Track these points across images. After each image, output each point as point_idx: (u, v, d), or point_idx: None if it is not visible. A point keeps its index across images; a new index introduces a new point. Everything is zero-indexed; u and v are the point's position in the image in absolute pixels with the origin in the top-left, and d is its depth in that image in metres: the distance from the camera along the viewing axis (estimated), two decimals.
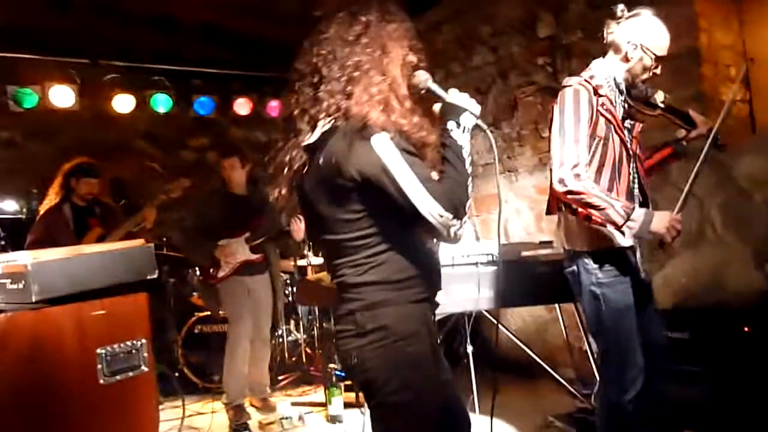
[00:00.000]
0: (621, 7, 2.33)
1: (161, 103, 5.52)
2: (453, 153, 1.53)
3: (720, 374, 2.82)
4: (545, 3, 4.22)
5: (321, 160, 1.48)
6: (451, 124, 1.55)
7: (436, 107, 1.62)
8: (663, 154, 2.59)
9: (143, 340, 1.98)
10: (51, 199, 3.78)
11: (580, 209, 2.25)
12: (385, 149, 1.42)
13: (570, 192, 2.19)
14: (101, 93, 5.40)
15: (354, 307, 1.52)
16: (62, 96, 5.11)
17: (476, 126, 1.59)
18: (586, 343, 3.36)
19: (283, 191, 1.57)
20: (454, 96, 1.59)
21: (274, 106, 5.94)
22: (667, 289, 3.60)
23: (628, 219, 2.14)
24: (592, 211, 2.18)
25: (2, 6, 4.93)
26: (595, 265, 2.31)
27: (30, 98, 5.01)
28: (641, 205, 2.37)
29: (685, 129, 2.52)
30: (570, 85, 2.29)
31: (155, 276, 2.00)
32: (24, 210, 4.83)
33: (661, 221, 2.15)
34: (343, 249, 1.53)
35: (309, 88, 1.53)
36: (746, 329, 2.84)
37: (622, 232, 2.22)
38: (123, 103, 5.40)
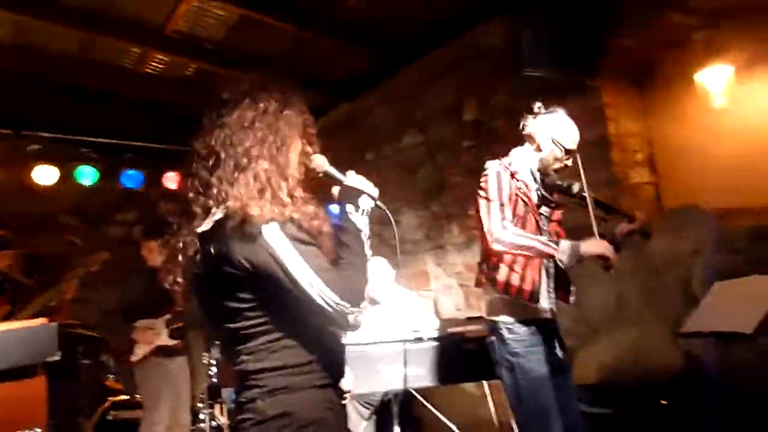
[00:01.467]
0: (538, 104, 2.59)
1: (86, 175, 5.37)
2: (351, 236, 1.51)
3: None
4: (471, 90, 4.46)
5: (212, 249, 1.44)
6: (349, 207, 1.55)
7: (335, 190, 1.63)
8: None
9: (38, 430, 1.82)
10: None
11: (515, 253, 2.36)
12: (274, 240, 1.39)
13: (500, 241, 2.31)
14: (23, 164, 5.21)
15: (254, 394, 1.45)
16: None
17: (376, 206, 1.59)
18: (514, 420, 3.34)
19: (179, 279, 1.51)
20: (352, 179, 1.60)
21: None
22: (591, 365, 3.66)
23: (556, 249, 2.28)
24: (525, 252, 2.33)
25: None
26: (510, 336, 2.41)
27: None
28: (560, 286, 2.50)
29: (602, 219, 2.69)
30: (492, 167, 2.49)
31: (57, 357, 1.87)
32: None
33: (591, 243, 2.31)
34: (239, 337, 1.48)
35: (205, 172, 1.50)
36: (663, 402, 2.91)
37: (560, 261, 2.32)
38: (45, 174, 5.22)
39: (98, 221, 6.24)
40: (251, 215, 1.40)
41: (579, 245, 2.28)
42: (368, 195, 1.57)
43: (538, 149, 2.53)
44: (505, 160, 2.53)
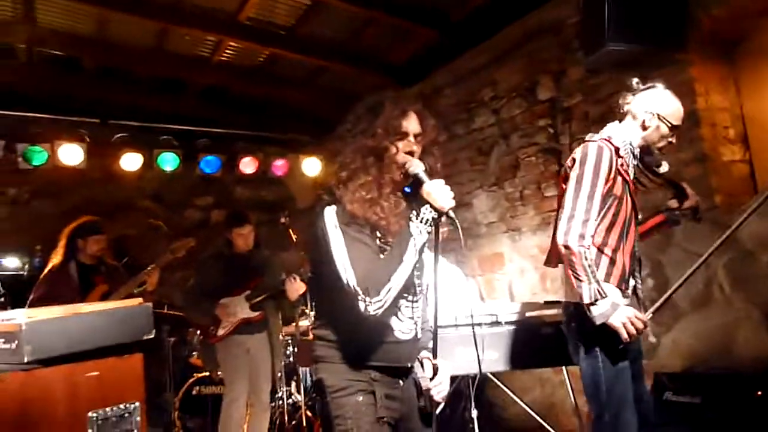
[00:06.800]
0: (636, 80, 2.46)
1: (168, 161, 5.58)
2: (399, 239, 1.68)
3: None
4: (545, 68, 4.32)
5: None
6: (413, 214, 1.68)
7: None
8: (656, 221, 2.64)
9: (137, 404, 1.91)
10: (57, 257, 3.77)
11: (567, 263, 2.26)
12: (329, 219, 1.71)
13: (567, 247, 2.23)
14: (109, 152, 5.47)
15: (313, 356, 1.81)
16: (71, 154, 5.18)
17: (448, 218, 1.66)
18: (590, 407, 3.26)
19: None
20: (430, 187, 1.66)
21: (279, 166, 6.00)
22: (676, 352, 3.52)
23: (594, 303, 2.17)
24: (572, 275, 2.23)
25: (18, 69, 5.11)
26: (591, 322, 2.29)
27: (39, 156, 5.08)
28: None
29: (677, 201, 2.58)
30: (594, 141, 2.36)
31: (152, 336, 1.96)
32: (26, 267, 4.81)
33: (620, 316, 2.16)
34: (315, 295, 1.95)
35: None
36: (758, 394, 2.75)
37: (589, 312, 2.20)
38: (130, 161, 5.47)
39: (178, 205, 6.51)
40: (322, 198, 1.78)
41: (609, 315, 2.15)
42: (430, 206, 1.65)
43: (643, 127, 2.39)
44: (603, 134, 2.41)
